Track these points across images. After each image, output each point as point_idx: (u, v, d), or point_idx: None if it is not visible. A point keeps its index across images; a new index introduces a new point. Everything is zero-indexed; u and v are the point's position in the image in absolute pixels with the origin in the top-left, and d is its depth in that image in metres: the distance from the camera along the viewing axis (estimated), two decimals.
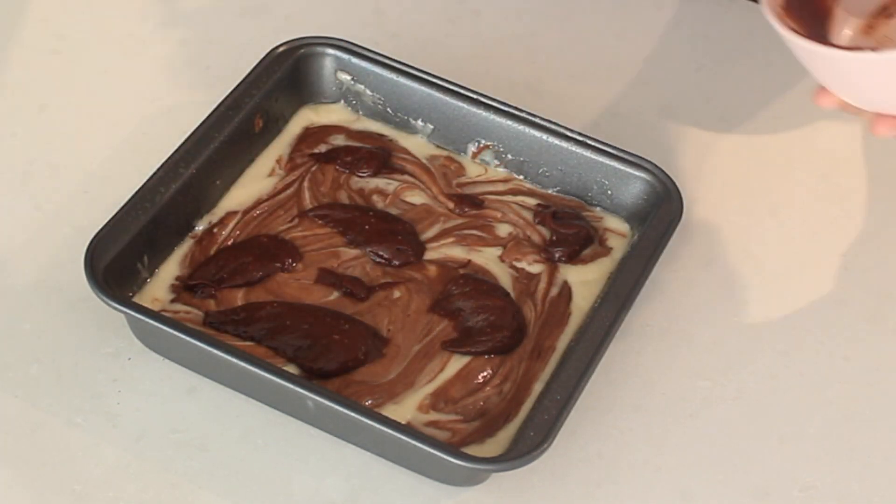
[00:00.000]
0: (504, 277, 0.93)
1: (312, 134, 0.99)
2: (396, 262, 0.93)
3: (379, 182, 0.97)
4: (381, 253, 0.93)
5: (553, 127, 0.96)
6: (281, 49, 0.99)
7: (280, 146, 0.98)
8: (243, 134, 0.96)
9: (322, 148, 0.99)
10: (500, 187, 0.98)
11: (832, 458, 0.89)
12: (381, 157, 0.98)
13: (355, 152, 0.98)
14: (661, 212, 0.93)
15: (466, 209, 0.96)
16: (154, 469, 0.85)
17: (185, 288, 0.91)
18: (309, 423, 0.87)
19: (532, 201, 0.97)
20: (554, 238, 0.95)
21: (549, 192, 0.97)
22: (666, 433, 0.89)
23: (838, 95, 0.84)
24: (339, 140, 0.99)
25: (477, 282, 0.92)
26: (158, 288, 0.90)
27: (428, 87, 0.98)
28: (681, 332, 0.94)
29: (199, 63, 1.06)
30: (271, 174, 0.97)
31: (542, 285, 0.92)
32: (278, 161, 0.98)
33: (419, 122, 0.99)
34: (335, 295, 0.91)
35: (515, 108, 0.97)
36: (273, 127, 0.98)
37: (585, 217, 0.96)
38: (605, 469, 0.87)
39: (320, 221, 0.95)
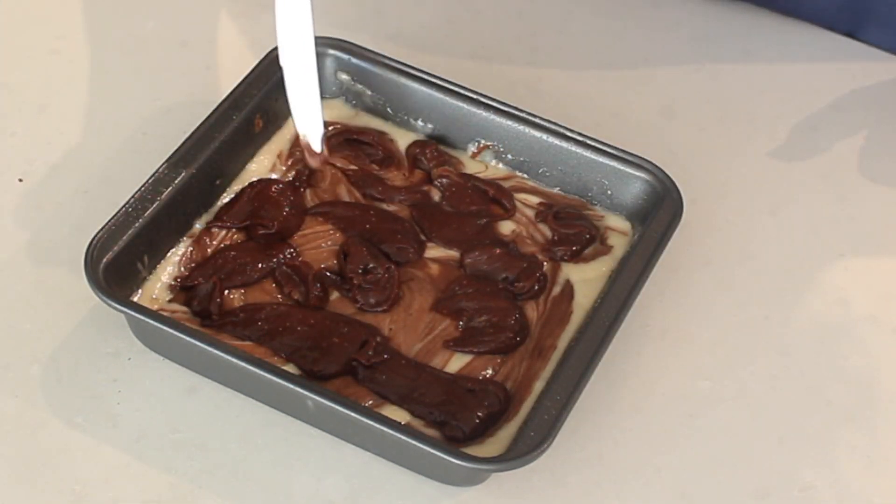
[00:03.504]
0: None
1: None
2: (398, 261, 0.93)
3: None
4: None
5: (553, 127, 0.96)
6: None
7: (281, 142, 0.98)
8: (243, 134, 0.96)
9: None
10: (501, 183, 0.98)
11: (832, 458, 0.89)
12: (380, 156, 0.98)
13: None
14: (661, 212, 0.93)
15: None
16: (154, 469, 0.85)
17: (183, 288, 0.91)
18: (309, 423, 0.87)
19: (534, 199, 0.97)
20: (555, 237, 0.95)
21: (550, 190, 0.98)
22: (666, 433, 0.89)
23: None
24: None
25: (481, 283, 0.92)
26: (158, 288, 0.90)
27: (428, 87, 0.98)
28: (681, 332, 0.94)
29: (199, 63, 1.06)
30: (272, 170, 0.97)
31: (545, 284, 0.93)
32: (279, 156, 0.98)
33: (419, 122, 0.99)
34: (335, 295, 0.91)
35: (515, 108, 0.97)
36: (273, 124, 0.98)
37: (587, 216, 0.96)
38: (605, 469, 0.87)
39: (321, 219, 0.95)
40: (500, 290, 0.91)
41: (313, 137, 0.89)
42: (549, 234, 0.95)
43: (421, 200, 0.96)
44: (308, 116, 0.89)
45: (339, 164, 0.96)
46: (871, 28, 1.10)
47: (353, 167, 0.97)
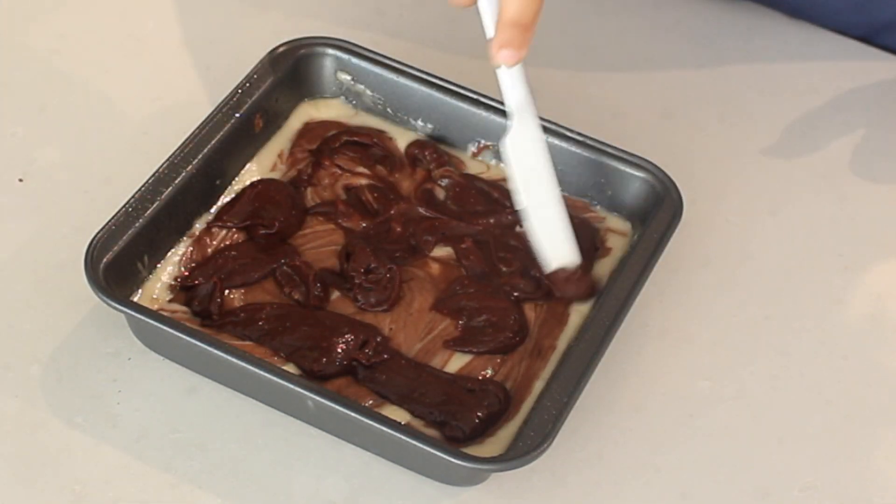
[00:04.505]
0: None
1: (312, 129, 0.99)
2: (401, 258, 0.92)
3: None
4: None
5: (553, 127, 0.96)
6: (281, 49, 0.99)
7: (281, 141, 0.98)
8: (243, 134, 0.96)
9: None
10: (504, 185, 0.97)
11: (832, 458, 0.89)
12: (378, 154, 0.98)
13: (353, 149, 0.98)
14: (661, 212, 0.93)
15: None
16: (154, 469, 0.85)
17: (183, 288, 0.91)
18: (309, 423, 0.87)
19: None
20: None
21: None
22: (666, 433, 0.89)
23: None
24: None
25: (482, 283, 0.92)
26: (158, 288, 0.90)
27: (428, 87, 0.98)
28: (681, 332, 0.94)
29: (199, 63, 1.06)
30: (273, 169, 0.97)
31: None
32: (279, 156, 0.98)
33: (419, 122, 0.99)
34: (335, 295, 0.91)
35: None
36: (273, 124, 0.98)
37: (587, 217, 0.96)
38: (605, 469, 0.87)
39: (321, 219, 0.95)
40: (500, 290, 0.91)
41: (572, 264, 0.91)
42: None
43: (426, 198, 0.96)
44: (561, 248, 0.90)
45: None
46: (889, 32, 1.09)
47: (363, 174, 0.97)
